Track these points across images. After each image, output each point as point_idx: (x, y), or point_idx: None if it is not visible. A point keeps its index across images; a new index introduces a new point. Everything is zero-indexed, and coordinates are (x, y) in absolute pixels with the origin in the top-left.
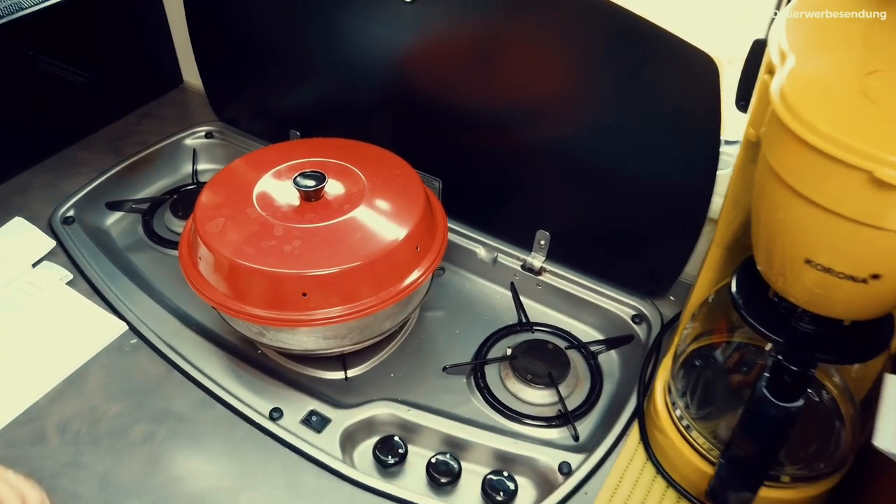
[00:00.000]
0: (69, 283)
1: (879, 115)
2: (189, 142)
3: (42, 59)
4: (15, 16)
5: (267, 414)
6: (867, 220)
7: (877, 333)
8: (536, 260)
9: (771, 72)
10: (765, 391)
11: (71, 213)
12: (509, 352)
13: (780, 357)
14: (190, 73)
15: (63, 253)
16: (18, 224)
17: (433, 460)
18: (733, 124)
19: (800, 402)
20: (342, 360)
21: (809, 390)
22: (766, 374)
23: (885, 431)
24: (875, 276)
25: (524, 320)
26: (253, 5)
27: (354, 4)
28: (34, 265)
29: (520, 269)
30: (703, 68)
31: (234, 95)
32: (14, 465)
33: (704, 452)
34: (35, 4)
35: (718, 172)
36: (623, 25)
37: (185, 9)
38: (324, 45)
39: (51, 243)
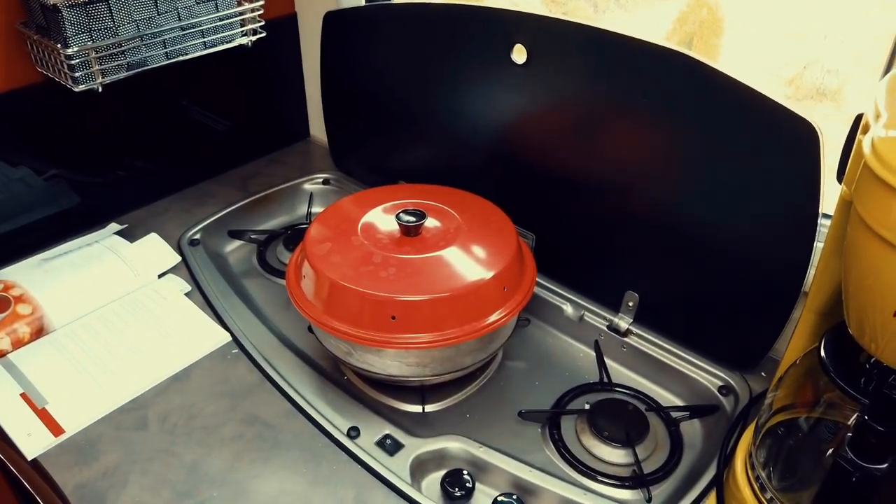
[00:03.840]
0: (187, 294)
1: None
2: (307, 186)
3: (193, 108)
4: (178, 59)
5: (345, 431)
6: None
7: None
8: (623, 321)
9: (866, 131)
10: (849, 451)
11: (198, 236)
12: (587, 406)
13: (866, 417)
14: (317, 128)
15: (185, 269)
16: (153, 239)
17: (499, 499)
18: (834, 199)
19: (885, 466)
20: (421, 394)
21: None
22: (851, 435)
23: None
24: None
25: (605, 380)
26: (378, 72)
27: (472, 65)
28: (160, 276)
29: (605, 329)
30: (803, 135)
31: (352, 149)
32: (115, 446)
33: None
34: (199, 50)
35: (816, 244)
36: (723, 91)
37: (321, 74)
38: (438, 105)
39: (177, 259)
